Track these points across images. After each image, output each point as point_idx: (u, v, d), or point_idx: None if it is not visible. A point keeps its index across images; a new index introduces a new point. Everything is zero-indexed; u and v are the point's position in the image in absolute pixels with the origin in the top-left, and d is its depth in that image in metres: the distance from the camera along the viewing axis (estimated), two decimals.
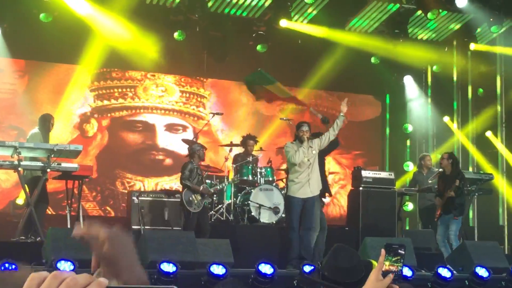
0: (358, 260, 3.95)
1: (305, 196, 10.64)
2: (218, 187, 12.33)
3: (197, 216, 11.34)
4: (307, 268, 8.74)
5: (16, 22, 14.71)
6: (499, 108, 16.69)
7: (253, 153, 13.28)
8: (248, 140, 13.22)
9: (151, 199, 12.45)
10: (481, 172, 15.17)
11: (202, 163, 12.29)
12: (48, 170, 10.38)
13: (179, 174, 12.01)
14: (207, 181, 12.40)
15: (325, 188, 11.40)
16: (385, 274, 3.24)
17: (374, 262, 3.90)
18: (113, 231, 1.91)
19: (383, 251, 3.27)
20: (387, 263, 3.26)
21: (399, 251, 3.27)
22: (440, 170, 12.54)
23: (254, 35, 16.15)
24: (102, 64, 15.47)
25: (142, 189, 15.49)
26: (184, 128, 16.71)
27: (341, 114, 10.96)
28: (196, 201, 11.42)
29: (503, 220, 16.20)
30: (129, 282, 1.81)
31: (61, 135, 15.10)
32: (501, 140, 16.59)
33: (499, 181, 16.00)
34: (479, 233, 16.19)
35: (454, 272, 9.38)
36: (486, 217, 16.28)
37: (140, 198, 12.25)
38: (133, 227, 12.17)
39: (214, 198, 12.63)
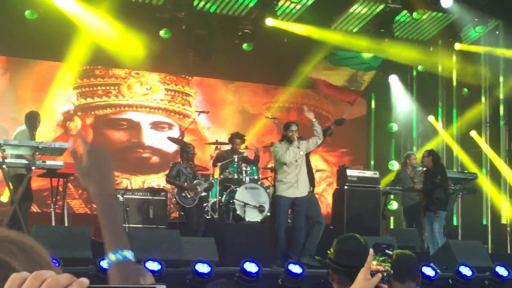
0: (365, 246, 3.95)
1: (293, 196, 10.67)
2: (205, 185, 12.31)
3: (196, 212, 11.50)
4: (292, 267, 8.76)
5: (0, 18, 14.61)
6: (483, 107, 16.77)
7: (241, 151, 13.27)
8: (235, 139, 13.21)
9: (136, 197, 12.41)
10: (465, 171, 15.24)
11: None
12: (33, 167, 10.34)
13: (165, 172, 12.06)
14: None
15: (312, 185, 11.47)
16: (373, 274, 3.26)
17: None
18: (91, 146, 2.11)
19: (371, 250, 3.29)
20: (374, 262, 3.28)
21: (387, 251, 3.29)
22: (424, 169, 12.59)
23: (240, 33, 16.13)
24: (86, 61, 15.39)
25: (129, 187, 15.46)
26: (170, 126, 16.69)
27: (312, 121, 10.96)
28: (189, 196, 11.52)
29: (486, 220, 16.29)
30: (96, 193, 2.02)
31: (45, 133, 15.00)
32: (485, 140, 16.67)
33: (483, 181, 16.08)
34: (463, 233, 16.27)
35: (438, 271, 9.42)
36: (470, 217, 16.36)
37: (125, 196, 12.22)
38: None
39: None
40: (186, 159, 11.98)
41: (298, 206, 10.72)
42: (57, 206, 11.24)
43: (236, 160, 12.77)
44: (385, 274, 3.29)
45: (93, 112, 16.12)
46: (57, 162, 10.70)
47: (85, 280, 1.26)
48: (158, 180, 16.04)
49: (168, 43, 15.55)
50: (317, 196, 13.05)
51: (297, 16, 15.83)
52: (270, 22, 15.35)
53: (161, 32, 15.28)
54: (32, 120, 11.59)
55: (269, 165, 14.05)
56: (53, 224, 10.80)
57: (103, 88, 16.25)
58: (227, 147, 13.47)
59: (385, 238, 11.41)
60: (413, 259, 4.84)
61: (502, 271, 9.47)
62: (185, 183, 11.79)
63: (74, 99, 15.92)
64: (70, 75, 15.78)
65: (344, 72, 12.52)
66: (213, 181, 12.46)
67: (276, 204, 10.94)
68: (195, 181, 11.90)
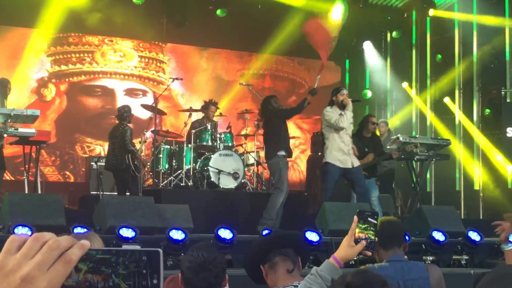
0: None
1: (346, 166, 10.55)
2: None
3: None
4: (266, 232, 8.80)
5: None
6: (457, 74, 16.82)
7: (214, 118, 13.23)
8: (210, 106, 13.15)
9: None
10: (439, 137, 15.31)
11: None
12: (5, 135, 10.25)
13: (139, 139, 12.00)
14: None
15: (288, 151, 11.23)
16: (357, 241, 3.27)
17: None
18: None
19: (355, 217, 3.29)
20: (357, 230, 3.29)
21: (370, 219, 3.29)
22: (398, 136, 12.61)
23: None
24: (59, 28, 15.26)
25: (102, 154, 15.40)
26: (144, 93, 16.63)
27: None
28: (138, 164, 11.53)
29: (459, 186, 16.42)
30: None
31: (18, 100, 14.89)
32: (458, 106, 16.75)
33: (456, 147, 16.18)
34: (436, 198, 16.41)
35: (411, 236, 9.49)
36: (443, 183, 16.48)
37: (98, 164, 12.17)
38: (91, 192, 12.12)
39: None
40: (129, 121, 11.91)
41: (355, 175, 10.59)
42: (30, 174, 11.18)
43: (209, 127, 12.73)
44: (368, 241, 3.29)
45: (67, 79, 16.04)
46: (29, 130, 10.60)
47: (86, 243, 1.25)
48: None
49: (141, 9, 15.39)
50: (290, 162, 12.96)
51: None
52: None
53: None
54: (2, 88, 11.47)
55: (243, 132, 14.04)
56: (26, 191, 10.74)
57: (77, 55, 16.16)
58: (200, 114, 13.42)
59: (359, 205, 11.42)
60: (397, 225, 4.76)
61: (474, 236, 9.56)
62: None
63: (48, 66, 15.82)
64: (44, 42, 15.67)
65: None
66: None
67: (327, 173, 10.65)
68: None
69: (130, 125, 11.86)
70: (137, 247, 1.32)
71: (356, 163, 10.64)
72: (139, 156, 11.73)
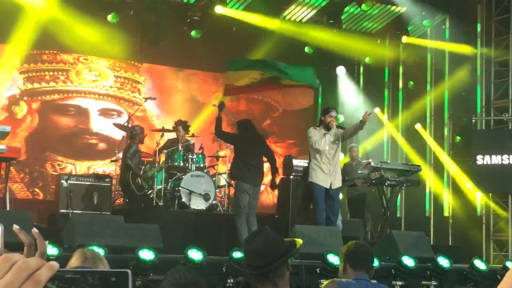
0: (273, 242, 3.81)
1: (327, 186, 10.57)
2: (149, 174, 12.24)
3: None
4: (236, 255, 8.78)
5: None
6: (428, 101, 16.96)
7: (189, 139, 13.22)
8: (177, 126, 13.15)
9: (80, 182, 12.30)
10: (409, 163, 15.40)
11: None
12: None
13: (112, 158, 11.97)
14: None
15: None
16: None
17: (298, 241, 3.89)
18: None
19: None
20: None
21: None
22: (369, 160, 12.69)
23: (188, 20, 16.03)
24: (33, 45, 15.16)
25: (74, 173, 15.31)
26: (119, 113, 16.56)
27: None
28: (140, 183, 11.52)
29: (429, 212, 16.50)
30: None
31: None
32: (429, 133, 16.87)
33: (427, 173, 16.28)
34: (406, 224, 16.48)
35: (381, 261, 9.51)
36: (413, 208, 16.56)
37: (69, 182, 12.09)
38: (61, 210, 12.03)
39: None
40: (139, 140, 11.94)
41: (330, 197, 10.58)
42: None
43: (180, 148, 12.72)
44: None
45: (39, 97, 15.92)
46: None
47: (55, 264, 1.27)
48: (104, 166, 15.92)
49: (116, 27, 15.38)
50: (263, 186, 13.00)
51: (247, 4, 15.79)
52: (219, 9, 15.32)
53: (109, 17, 15.13)
54: None
55: (217, 153, 14.04)
56: None
57: (51, 73, 16.06)
58: (174, 135, 13.42)
59: (329, 228, 11.43)
60: (370, 251, 4.94)
61: (443, 262, 9.61)
62: (140, 171, 11.76)
63: (20, 84, 15.69)
64: (17, 59, 15.53)
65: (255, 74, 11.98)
66: (154, 172, 12.36)
67: (312, 192, 10.67)
68: (142, 169, 11.88)
69: (140, 145, 11.91)
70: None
71: (336, 185, 10.66)
72: (138, 172, 11.68)
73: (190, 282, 3.50)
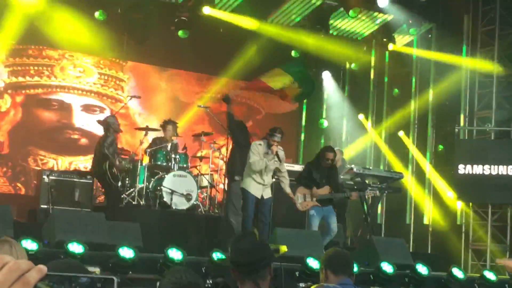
0: (261, 244, 4.10)
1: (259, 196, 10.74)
2: (125, 165, 12.21)
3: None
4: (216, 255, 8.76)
5: None
6: (412, 109, 17.02)
7: (172, 138, 13.22)
8: (167, 125, 13.15)
9: (62, 178, 12.27)
10: (392, 170, 15.45)
11: (118, 145, 12.25)
12: None
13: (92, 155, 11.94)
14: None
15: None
16: None
17: (283, 248, 3.97)
18: None
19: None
20: None
21: None
22: (352, 166, 12.72)
23: (176, 20, 16.01)
24: (19, 40, 15.13)
25: (55, 168, 15.27)
26: (102, 109, 16.54)
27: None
28: (116, 173, 11.49)
29: (410, 219, 16.55)
30: None
31: None
32: (412, 141, 16.93)
33: (408, 181, 16.34)
34: (386, 230, 16.52)
35: (360, 266, 9.54)
36: (393, 215, 16.60)
37: (50, 177, 12.05)
38: (41, 206, 11.99)
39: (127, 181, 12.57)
40: (114, 130, 11.94)
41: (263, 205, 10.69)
42: None
43: (169, 147, 12.74)
44: None
45: (23, 91, 15.88)
46: None
47: (43, 267, 1.30)
48: (85, 162, 15.87)
49: (104, 25, 15.34)
50: None
51: (235, 6, 15.79)
52: (207, 10, 15.32)
53: (96, 14, 15.09)
54: None
55: (198, 154, 14.03)
56: None
57: (36, 68, 16.02)
58: (160, 133, 13.40)
59: (310, 232, 11.44)
60: (348, 256, 5.08)
61: (422, 269, 9.66)
62: (116, 161, 11.76)
63: (4, 77, 15.65)
64: (2, 53, 15.49)
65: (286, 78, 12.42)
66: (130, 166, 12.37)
67: (244, 198, 10.82)
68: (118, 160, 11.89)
69: (116, 135, 11.93)
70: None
71: (266, 196, 10.79)
72: (115, 162, 11.67)
73: (191, 282, 3.56)
